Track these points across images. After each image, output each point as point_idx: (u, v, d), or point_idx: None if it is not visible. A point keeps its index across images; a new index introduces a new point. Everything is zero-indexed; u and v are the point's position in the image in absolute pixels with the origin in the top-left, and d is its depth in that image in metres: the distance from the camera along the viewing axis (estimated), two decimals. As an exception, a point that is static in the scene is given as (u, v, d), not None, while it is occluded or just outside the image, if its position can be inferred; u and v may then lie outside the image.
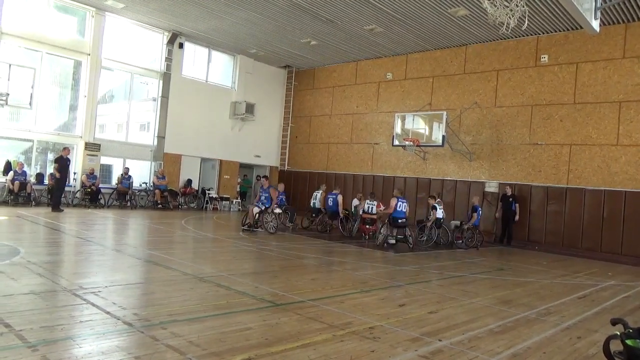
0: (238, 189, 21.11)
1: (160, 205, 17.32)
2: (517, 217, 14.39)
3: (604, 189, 13.44)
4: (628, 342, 3.33)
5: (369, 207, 13.14)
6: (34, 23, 15.17)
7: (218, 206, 19.50)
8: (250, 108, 19.98)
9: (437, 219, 12.86)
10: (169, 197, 17.76)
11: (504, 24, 8.16)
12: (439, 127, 15.41)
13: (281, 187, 14.44)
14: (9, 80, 13.68)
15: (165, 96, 18.27)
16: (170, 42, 18.09)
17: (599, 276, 9.78)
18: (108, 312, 4.49)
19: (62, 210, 13.58)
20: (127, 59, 17.51)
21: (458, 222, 13.62)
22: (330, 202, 13.92)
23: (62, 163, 13.92)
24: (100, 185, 16.30)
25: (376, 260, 9.62)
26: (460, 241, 12.82)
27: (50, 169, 16.07)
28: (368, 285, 6.94)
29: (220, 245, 10.37)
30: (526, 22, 9.44)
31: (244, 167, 21.80)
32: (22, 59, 14.89)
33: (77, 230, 10.58)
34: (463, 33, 15.38)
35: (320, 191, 14.58)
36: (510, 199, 14.40)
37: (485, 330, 4.96)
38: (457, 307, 5.92)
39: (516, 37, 15.20)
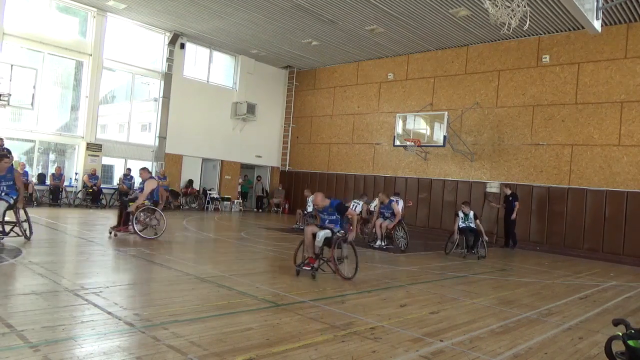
0: (239, 190, 21.12)
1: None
2: (513, 216, 13.70)
3: (605, 190, 13.42)
4: (630, 342, 3.32)
5: (353, 207, 12.44)
6: (35, 24, 15.20)
7: (219, 206, 19.51)
8: (251, 108, 19.98)
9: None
10: (170, 198, 17.77)
11: (505, 24, 8.16)
12: (440, 127, 15.39)
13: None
14: (10, 80, 13.71)
15: (166, 97, 18.29)
16: (172, 42, 18.11)
17: (601, 277, 9.77)
18: (109, 313, 4.50)
19: None
20: (129, 60, 17.53)
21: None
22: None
23: None
24: (102, 186, 16.34)
25: (377, 260, 9.61)
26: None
27: (52, 169, 16.12)
28: (369, 285, 6.94)
29: (222, 245, 10.38)
30: (527, 22, 9.44)
31: (245, 167, 21.82)
32: (23, 59, 14.93)
33: (79, 231, 10.60)
34: (464, 33, 15.37)
35: (361, 202, 12.96)
36: (510, 198, 14.03)
37: (487, 330, 4.95)
38: (459, 308, 5.92)
39: (517, 37, 15.19)
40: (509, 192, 14.25)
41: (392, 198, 11.87)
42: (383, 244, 11.19)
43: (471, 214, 11.13)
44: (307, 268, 7.10)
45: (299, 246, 7.43)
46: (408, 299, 6.24)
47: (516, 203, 13.88)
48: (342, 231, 7.33)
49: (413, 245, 13.14)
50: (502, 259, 11.43)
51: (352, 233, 7.45)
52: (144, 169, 10.48)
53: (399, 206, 12.24)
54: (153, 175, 16.71)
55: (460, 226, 11.04)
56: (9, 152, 11.35)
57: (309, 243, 7.24)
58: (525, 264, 10.87)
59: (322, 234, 7.20)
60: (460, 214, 11.19)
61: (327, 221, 7.43)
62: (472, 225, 11.03)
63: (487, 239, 11.21)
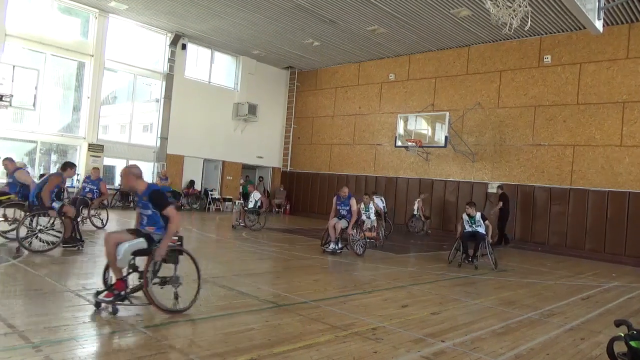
0: (240, 190, 21.11)
1: (163, 206, 17.33)
2: (491, 212, 14.24)
3: (607, 190, 13.39)
4: (632, 343, 3.31)
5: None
6: (37, 25, 15.22)
7: (221, 207, 19.51)
8: (252, 109, 19.99)
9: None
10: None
11: (506, 25, 8.15)
12: (441, 128, 15.38)
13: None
14: (12, 81, 13.71)
15: (168, 97, 18.31)
16: (173, 43, 18.13)
17: (603, 277, 9.75)
18: (110, 313, 4.50)
19: None
20: (130, 60, 17.55)
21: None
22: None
23: None
24: (103, 186, 16.34)
25: (378, 261, 9.59)
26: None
27: (53, 170, 16.13)
28: (370, 286, 6.93)
29: (223, 246, 10.38)
30: (529, 22, 9.41)
31: (247, 168, 21.83)
32: (25, 60, 14.94)
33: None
34: (466, 34, 15.36)
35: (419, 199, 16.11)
36: (499, 198, 14.43)
37: (488, 331, 4.94)
38: (460, 308, 5.91)
39: (519, 37, 15.17)
40: (500, 191, 14.60)
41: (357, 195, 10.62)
42: (337, 247, 9.68)
43: (478, 215, 9.71)
44: (106, 299, 4.48)
45: (107, 266, 4.77)
46: (409, 299, 6.24)
47: (500, 202, 14.19)
48: (176, 238, 4.90)
49: (410, 245, 13.13)
50: (502, 260, 11.40)
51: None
52: (7, 159, 8.68)
53: (378, 204, 11.91)
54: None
55: (466, 230, 9.71)
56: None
57: (113, 258, 4.53)
58: (527, 265, 10.86)
59: (126, 247, 4.52)
60: (465, 217, 9.82)
61: (144, 220, 4.81)
62: (480, 229, 9.62)
63: (490, 240, 9.86)
